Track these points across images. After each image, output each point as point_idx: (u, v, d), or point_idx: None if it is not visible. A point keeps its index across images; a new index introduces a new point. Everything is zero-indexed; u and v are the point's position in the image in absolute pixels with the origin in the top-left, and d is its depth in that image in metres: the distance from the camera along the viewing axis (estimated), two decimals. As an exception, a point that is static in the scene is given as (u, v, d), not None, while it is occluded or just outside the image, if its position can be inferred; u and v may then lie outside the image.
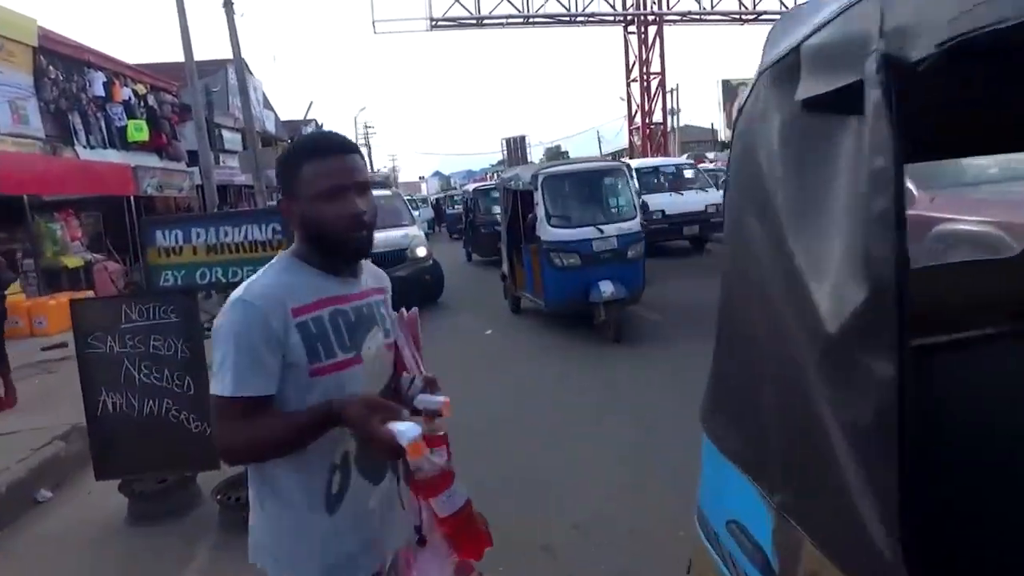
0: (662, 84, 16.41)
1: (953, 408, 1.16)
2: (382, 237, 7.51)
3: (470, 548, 1.23)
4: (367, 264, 1.41)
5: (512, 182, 7.95)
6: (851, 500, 0.78)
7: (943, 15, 0.62)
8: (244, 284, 1.27)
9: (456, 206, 18.35)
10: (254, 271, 3.19)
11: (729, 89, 22.20)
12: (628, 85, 16.61)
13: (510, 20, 15.45)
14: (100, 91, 14.00)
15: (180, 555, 3.10)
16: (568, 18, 15.60)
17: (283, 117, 27.19)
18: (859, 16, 0.75)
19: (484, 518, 1.29)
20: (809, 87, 0.87)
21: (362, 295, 1.34)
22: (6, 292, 5.92)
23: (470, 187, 14.78)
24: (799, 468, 0.96)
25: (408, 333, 1.42)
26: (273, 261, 1.32)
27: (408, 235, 8.95)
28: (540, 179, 6.79)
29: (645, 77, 16.22)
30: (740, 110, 1.15)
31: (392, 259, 8.28)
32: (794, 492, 0.97)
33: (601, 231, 6.47)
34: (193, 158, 17.18)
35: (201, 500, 3.59)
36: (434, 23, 15.08)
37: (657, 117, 16.33)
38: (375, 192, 6.18)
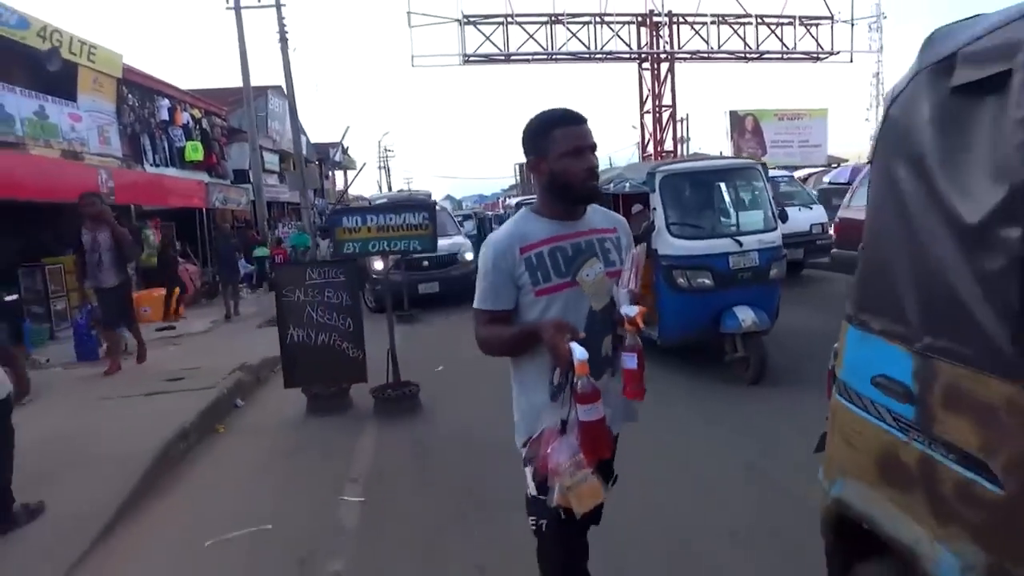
0: (672, 116, 18.37)
1: None
2: (441, 245, 9.37)
3: (592, 451, 1.61)
4: (599, 209, 1.88)
5: (615, 184, 6.59)
6: (982, 325, 1.22)
7: None
8: (494, 231, 1.84)
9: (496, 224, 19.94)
10: (408, 243, 5.30)
11: (736, 119, 23.98)
12: (642, 116, 18.59)
13: (535, 56, 17.56)
14: (165, 116, 16.10)
15: (351, 432, 4.86)
16: (588, 55, 17.70)
17: (313, 139, 29.35)
18: (1011, 29, 1.26)
19: (611, 439, 1.80)
20: (962, 76, 1.34)
21: (580, 234, 1.78)
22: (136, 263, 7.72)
23: (512, 201, 14.61)
24: (938, 319, 1.37)
25: (635, 263, 1.76)
26: (515, 215, 1.87)
27: (456, 243, 10.83)
28: (658, 178, 5.58)
29: (657, 109, 18.18)
30: (894, 99, 1.60)
31: (446, 262, 10.19)
32: (933, 335, 1.38)
33: (740, 243, 5.34)
34: (238, 176, 19.30)
35: (354, 403, 5.37)
36: (467, 58, 17.15)
37: (668, 145, 18.30)
38: (427, 203, 8.46)
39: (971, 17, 1.46)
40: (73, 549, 3.02)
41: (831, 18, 18.82)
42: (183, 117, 16.81)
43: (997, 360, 1.23)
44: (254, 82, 17.94)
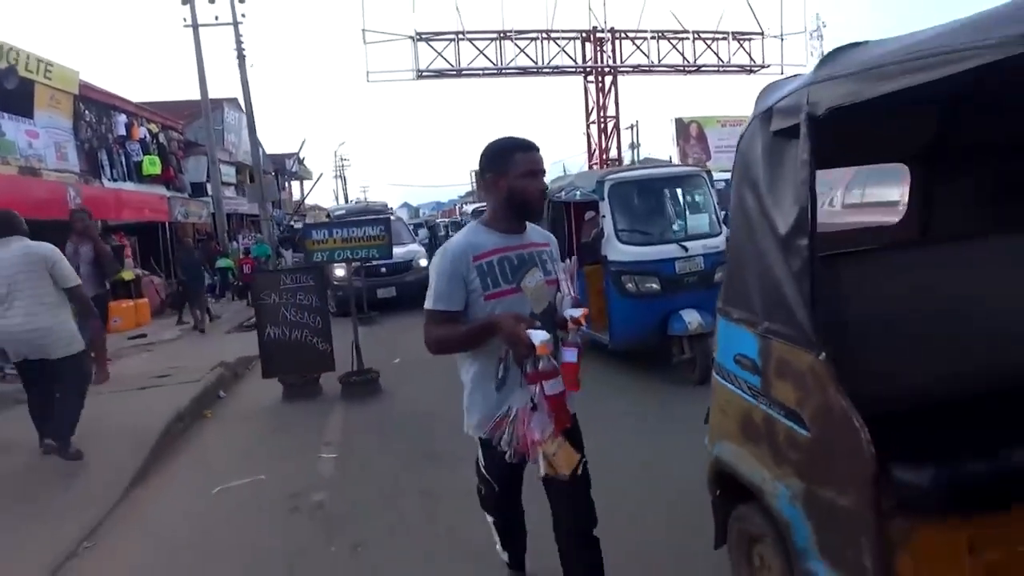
0: (617, 125, 19.74)
1: (848, 283, 2.01)
2: (397, 252, 10.33)
3: (559, 421, 1.91)
4: (534, 227, 2.17)
5: (564, 192, 6.76)
6: (793, 310, 1.64)
7: (830, 96, 1.56)
8: (448, 240, 2.12)
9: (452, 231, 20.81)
10: (368, 251, 6.44)
11: (682, 126, 25.37)
12: (588, 127, 19.94)
13: (486, 71, 18.67)
14: (122, 131, 16.54)
15: (322, 411, 5.80)
16: (536, 69, 18.90)
17: (269, 150, 29.81)
18: (800, 94, 1.71)
19: (570, 412, 2.05)
20: (777, 124, 1.81)
21: (523, 246, 2.07)
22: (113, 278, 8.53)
23: (469, 208, 14.48)
24: (770, 307, 1.80)
25: (568, 273, 2.13)
26: (466, 226, 2.14)
27: (411, 250, 11.82)
28: (607, 186, 5.81)
29: (602, 119, 19.54)
30: (741, 137, 2.08)
31: (402, 268, 11.14)
32: (768, 320, 1.78)
33: (686, 249, 5.58)
34: (195, 189, 19.80)
35: (323, 390, 6.31)
36: (420, 74, 18.15)
37: (613, 154, 19.65)
38: (383, 216, 9.53)
39: (789, 77, 2.01)
40: (117, 487, 4.00)
41: (761, 34, 20.50)
42: (140, 131, 17.25)
43: (802, 336, 1.65)
44: (211, 94, 18.51)
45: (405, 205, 60.41)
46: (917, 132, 2.44)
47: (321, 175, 31.76)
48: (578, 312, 1.95)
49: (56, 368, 4.28)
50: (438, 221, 22.91)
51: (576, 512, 2.06)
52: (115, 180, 15.59)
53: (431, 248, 18.74)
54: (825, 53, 1.85)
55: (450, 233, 15.89)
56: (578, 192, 6.60)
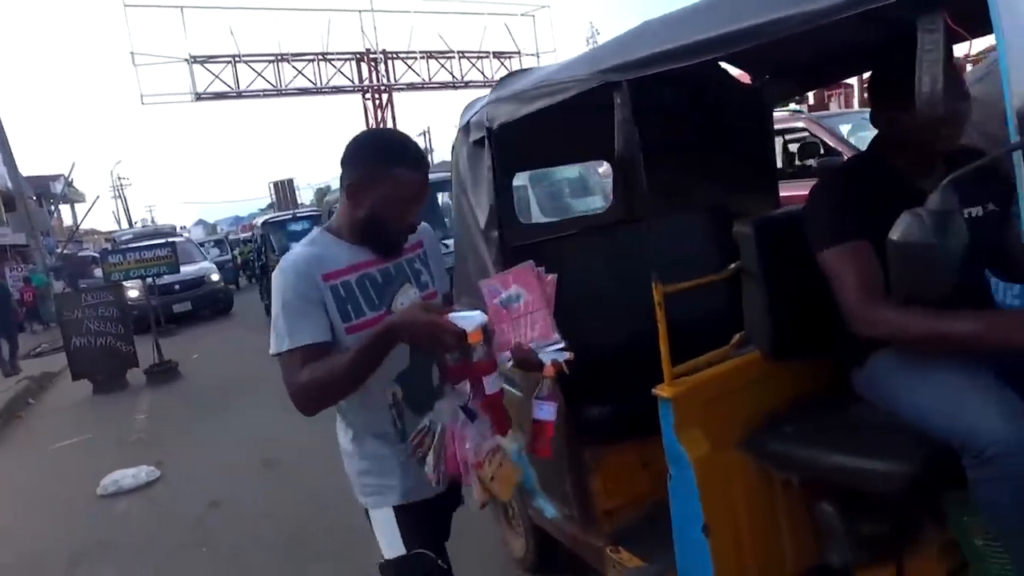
0: (397, 140, 22.40)
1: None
2: (188, 270, 11.87)
3: (502, 424, 1.44)
4: None
5: (336, 206, 8.92)
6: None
7: (498, 114, 2.07)
8: (285, 256, 1.48)
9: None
10: (159, 269, 8.63)
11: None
12: (371, 141, 22.32)
13: (266, 92, 20.14)
14: None
15: (133, 395, 7.56)
16: (315, 90, 20.77)
17: (30, 172, 27.98)
18: (483, 111, 2.13)
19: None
20: (473, 136, 2.18)
21: (387, 259, 1.52)
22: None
23: (259, 221, 14.02)
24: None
25: (545, 299, 1.42)
26: (307, 237, 1.53)
27: (203, 267, 13.34)
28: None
29: (383, 134, 22.07)
30: (453, 147, 2.44)
31: (195, 284, 12.65)
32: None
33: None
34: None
35: (131, 383, 7.98)
36: (198, 96, 19.12)
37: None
38: (171, 240, 11.45)
39: (482, 96, 2.32)
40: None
41: (518, 53, 24.27)
42: None
43: None
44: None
45: (200, 222, 57.77)
46: (612, 134, 2.78)
47: (98, 198, 30.24)
48: (564, 356, 1.40)
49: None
50: (238, 236, 23.34)
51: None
52: None
53: (232, 265, 19.58)
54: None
55: (251, 247, 15.18)
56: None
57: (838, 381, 1.73)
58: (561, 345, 1.40)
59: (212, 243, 21.80)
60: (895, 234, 1.09)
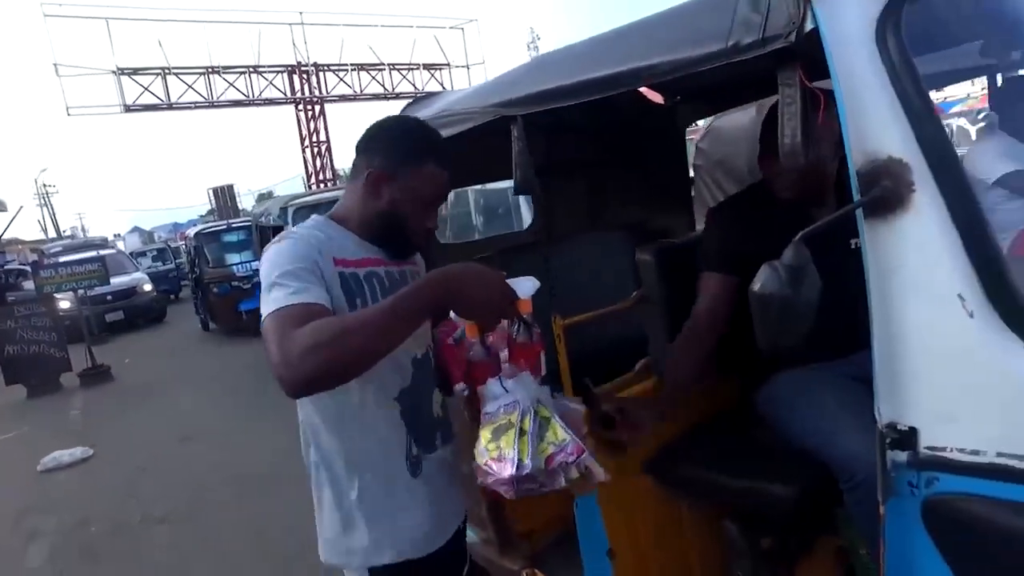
0: (328, 149, 23.19)
1: None
2: (119, 281, 12.54)
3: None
4: None
5: (263, 217, 8.41)
6: None
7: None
8: (291, 228, 1.32)
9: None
10: (89, 282, 9.51)
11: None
12: (303, 151, 23.06)
13: (198, 104, 20.69)
14: None
15: (66, 396, 8.34)
16: (248, 101, 21.41)
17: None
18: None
19: None
20: None
21: (399, 263, 1.37)
22: None
23: (191, 232, 13.58)
24: None
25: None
26: (309, 221, 1.32)
27: (135, 278, 13.99)
28: (290, 211, 7.17)
29: (315, 144, 22.83)
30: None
31: (128, 294, 13.30)
32: None
33: None
34: None
35: (64, 386, 8.74)
36: (127, 108, 19.51)
37: (329, 174, 23.04)
38: (102, 252, 12.22)
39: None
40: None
41: (448, 65, 25.37)
42: None
43: None
44: None
45: (136, 230, 56.53)
46: (532, 154, 2.63)
47: (21, 208, 29.69)
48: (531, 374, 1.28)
49: None
50: (178, 244, 23.35)
51: None
52: None
53: (168, 272, 19.74)
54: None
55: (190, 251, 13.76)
56: (271, 217, 8.07)
57: (744, 402, 1.78)
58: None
59: (155, 252, 21.86)
60: (755, 285, 1.08)
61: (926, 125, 1.02)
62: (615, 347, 1.92)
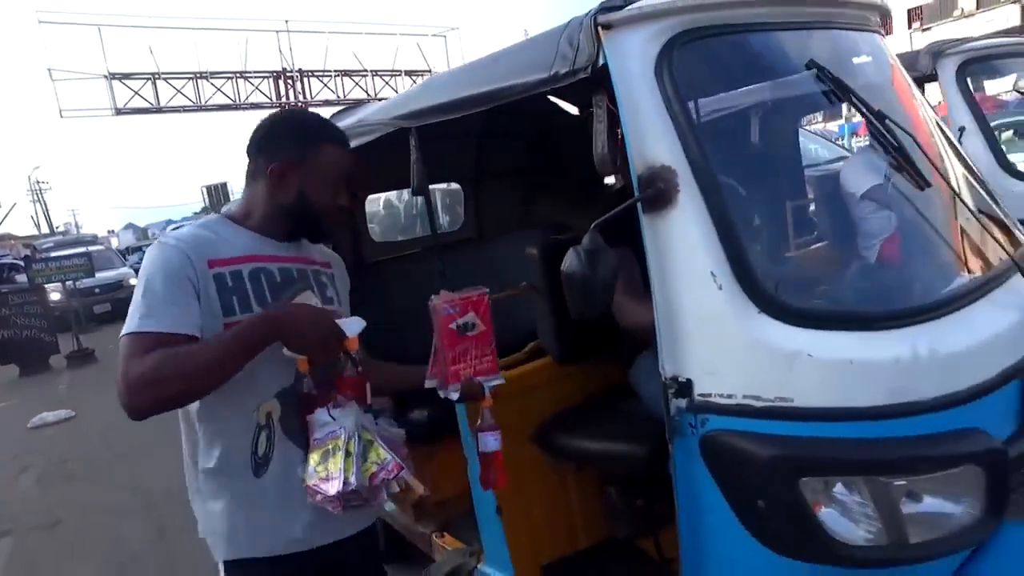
0: (312, 152, 24.31)
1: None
2: (107, 275, 13.63)
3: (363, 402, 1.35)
4: (319, 246, 1.51)
5: None
6: None
7: None
8: (168, 232, 1.45)
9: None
10: (76, 275, 10.89)
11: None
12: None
13: (187, 108, 21.79)
14: None
15: (55, 374, 9.44)
16: (235, 106, 22.51)
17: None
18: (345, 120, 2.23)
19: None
20: (354, 144, 1.78)
21: (293, 259, 1.37)
22: None
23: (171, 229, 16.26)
24: None
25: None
26: (201, 220, 1.42)
27: (121, 272, 15.09)
28: None
29: (299, 147, 23.93)
30: None
31: (114, 287, 14.40)
32: None
33: None
34: None
35: (53, 367, 9.83)
36: (119, 111, 20.61)
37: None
38: (91, 249, 13.34)
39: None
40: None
41: (430, 71, 26.44)
42: None
43: None
44: None
45: (130, 226, 57.40)
46: (463, 159, 2.92)
47: (15, 204, 30.85)
48: (497, 381, 1.39)
49: None
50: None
51: None
52: None
53: None
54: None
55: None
56: None
57: (623, 380, 1.95)
58: (500, 380, 1.39)
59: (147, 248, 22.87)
60: (564, 265, 1.26)
61: (690, 141, 1.26)
62: (508, 330, 1.99)
